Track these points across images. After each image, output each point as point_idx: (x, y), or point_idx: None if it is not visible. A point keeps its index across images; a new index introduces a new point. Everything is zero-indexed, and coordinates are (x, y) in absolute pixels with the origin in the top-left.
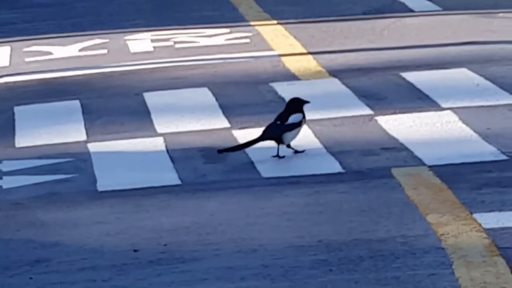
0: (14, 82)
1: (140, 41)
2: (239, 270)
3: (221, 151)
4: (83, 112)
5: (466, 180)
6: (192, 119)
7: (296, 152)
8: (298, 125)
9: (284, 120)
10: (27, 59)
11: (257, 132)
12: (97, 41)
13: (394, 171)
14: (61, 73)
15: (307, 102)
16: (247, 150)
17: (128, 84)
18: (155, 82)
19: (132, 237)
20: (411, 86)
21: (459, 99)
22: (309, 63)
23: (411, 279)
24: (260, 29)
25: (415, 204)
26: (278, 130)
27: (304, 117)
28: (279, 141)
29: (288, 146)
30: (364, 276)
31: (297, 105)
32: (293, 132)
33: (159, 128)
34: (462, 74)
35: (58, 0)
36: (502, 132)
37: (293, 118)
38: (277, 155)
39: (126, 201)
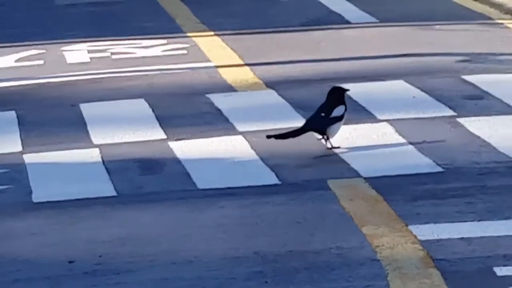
0: None
1: (77, 52)
2: (174, 281)
3: (269, 136)
4: (19, 123)
5: (402, 192)
6: (128, 130)
7: (332, 148)
8: (341, 118)
9: (328, 112)
10: None
11: (194, 143)
12: (34, 51)
13: (330, 183)
14: None
15: (347, 90)
16: (184, 161)
17: (65, 95)
18: (92, 93)
19: (67, 248)
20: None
21: (396, 111)
22: (246, 75)
23: None
24: (197, 40)
25: (351, 215)
26: (323, 123)
27: (346, 109)
28: (323, 133)
29: (327, 138)
30: None
31: (339, 95)
32: (337, 125)
33: (95, 139)
34: (399, 86)
35: None
36: (438, 144)
37: (337, 111)
38: (332, 146)
39: (61, 212)
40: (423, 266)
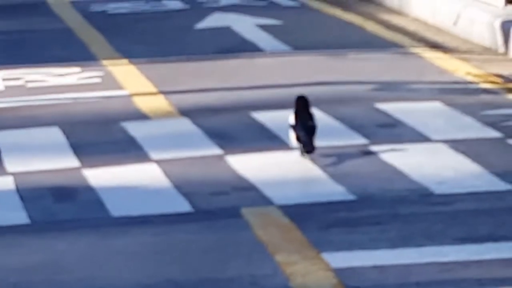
0: None
1: None
2: None
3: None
4: None
5: (315, 219)
6: (42, 158)
7: (303, 154)
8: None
9: (311, 120)
10: None
11: (108, 171)
12: None
13: (244, 211)
14: None
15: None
16: (97, 189)
17: None
18: (6, 121)
19: None
20: (261, 126)
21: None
22: (160, 103)
23: None
24: (112, 68)
25: (264, 243)
26: (314, 131)
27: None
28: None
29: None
30: None
31: (307, 102)
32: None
33: (9, 167)
34: None
35: None
36: (351, 172)
37: (315, 118)
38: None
39: None
40: None
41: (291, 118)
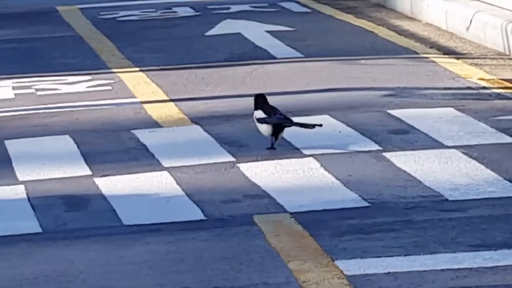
0: None
1: (1, 89)
2: None
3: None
4: None
5: (328, 227)
6: (53, 166)
7: (272, 147)
8: None
9: (278, 110)
10: None
11: (119, 179)
12: None
13: (256, 218)
14: None
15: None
16: (109, 197)
17: None
18: (17, 129)
19: None
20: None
21: (321, 146)
22: (171, 110)
23: None
24: (122, 76)
25: (277, 251)
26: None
27: None
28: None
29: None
30: None
31: (266, 99)
32: None
33: (20, 176)
34: (324, 120)
35: None
36: (363, 179)
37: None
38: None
39: None
40: None
41: (258, 113)
